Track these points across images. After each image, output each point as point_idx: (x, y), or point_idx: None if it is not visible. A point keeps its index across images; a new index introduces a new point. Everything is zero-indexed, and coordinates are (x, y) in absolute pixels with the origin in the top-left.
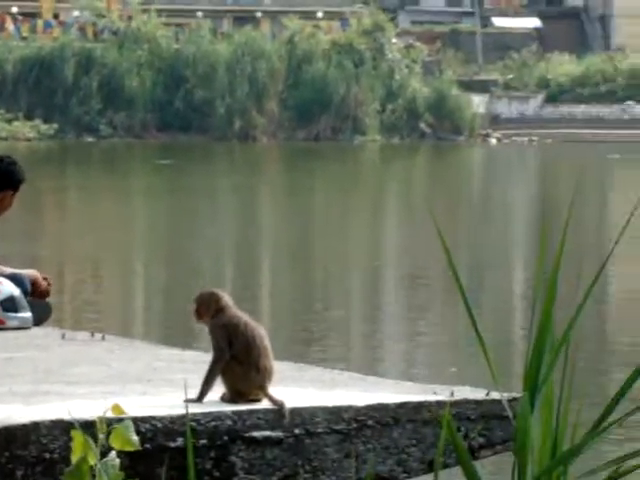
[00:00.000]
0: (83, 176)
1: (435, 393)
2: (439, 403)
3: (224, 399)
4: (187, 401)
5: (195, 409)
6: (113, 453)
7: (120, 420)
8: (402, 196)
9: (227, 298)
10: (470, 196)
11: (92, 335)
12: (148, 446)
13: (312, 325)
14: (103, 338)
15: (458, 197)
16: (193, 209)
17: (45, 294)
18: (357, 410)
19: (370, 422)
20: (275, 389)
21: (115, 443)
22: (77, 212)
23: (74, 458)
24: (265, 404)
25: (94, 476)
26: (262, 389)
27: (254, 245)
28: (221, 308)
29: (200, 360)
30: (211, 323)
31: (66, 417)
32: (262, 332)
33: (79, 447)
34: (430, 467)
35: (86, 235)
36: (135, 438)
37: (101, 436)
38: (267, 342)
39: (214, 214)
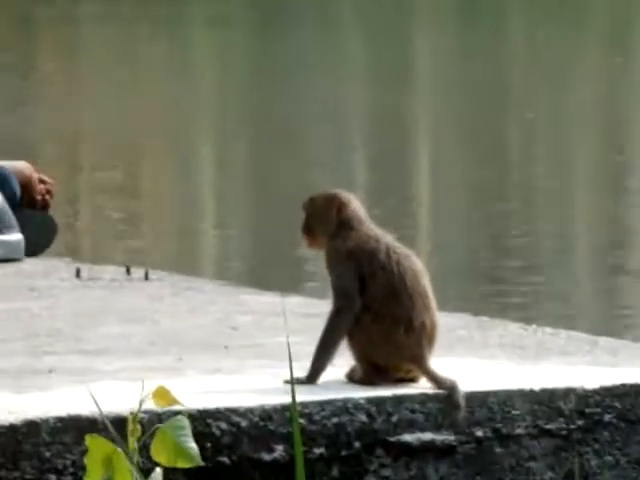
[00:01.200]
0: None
1: None
2: None
3: (353, 379)
4: (292, 382)
5: (305, 396)
6: (157, 471)
7: (170, 415)
8: None
9: (357, 205)
10: None
11: (127, 272)
12: (223, 459)
13: (497, 254)
14: (146, 277)
15: None
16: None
17: (43, 204)
18: (584, 396)
19: (608, 417)
20: (440, 361)
21: (158, 455)
22: (91, 55)
23: None
24: (424, 387)
25: None
26: (418, 361)
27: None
28: (347, 221)
29: (314, 312)
30: (329, 247)
31: (82, 411)
32: (417, 265)
33: (98, 462)
34: None
35: (110, 97)
36: (194, 447)
37: (136, 444)
38: (426, 283)
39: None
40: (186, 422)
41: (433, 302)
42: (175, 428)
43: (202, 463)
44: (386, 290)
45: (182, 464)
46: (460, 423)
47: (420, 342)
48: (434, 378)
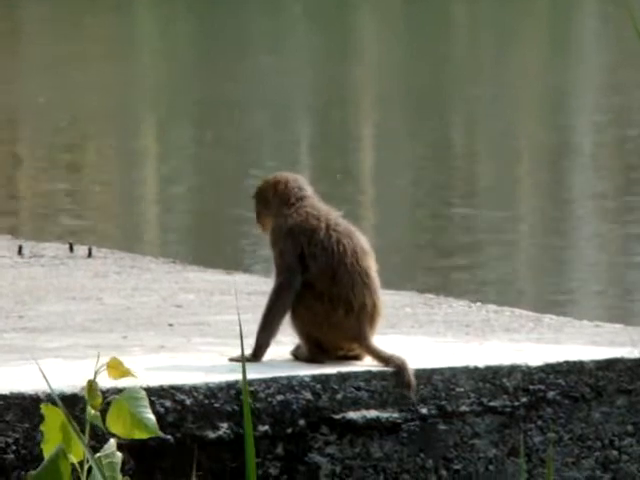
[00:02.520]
0: None
1: None
2: None
3: (298, 356)
4: (236, 360)
5: (250, 374)
6: (111, 442)
7: (116, 392)
8: None
9: (301, 183)
10: None
11: (71, 249)
12: (170, 437)
13: (441, 231)
14: (89, 254)
15: None
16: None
17: None
18: (528, 373)
19: (552, 394)
20: (385, 338)
21: (115, 426)
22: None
23: (46, 451)
24: (369, 364)
25: None
26: (360, 341)
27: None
28: (287, 200)
29: (254, 290)
30: (273, 226)
31: (27, 388)
32: (361, 243)
33: (54, 433)
34: None
35: (54, 74)
36: (151, 418)
37: (93, 412)
38: (369, 259)
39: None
40: (142, 393)
41: (375, 281)
42: (132, 399)
43: (160, 434)
44: (325, 269)
45: (139, 435)
46: (413, 401)
47: (361, 322)
48: (379, 356)
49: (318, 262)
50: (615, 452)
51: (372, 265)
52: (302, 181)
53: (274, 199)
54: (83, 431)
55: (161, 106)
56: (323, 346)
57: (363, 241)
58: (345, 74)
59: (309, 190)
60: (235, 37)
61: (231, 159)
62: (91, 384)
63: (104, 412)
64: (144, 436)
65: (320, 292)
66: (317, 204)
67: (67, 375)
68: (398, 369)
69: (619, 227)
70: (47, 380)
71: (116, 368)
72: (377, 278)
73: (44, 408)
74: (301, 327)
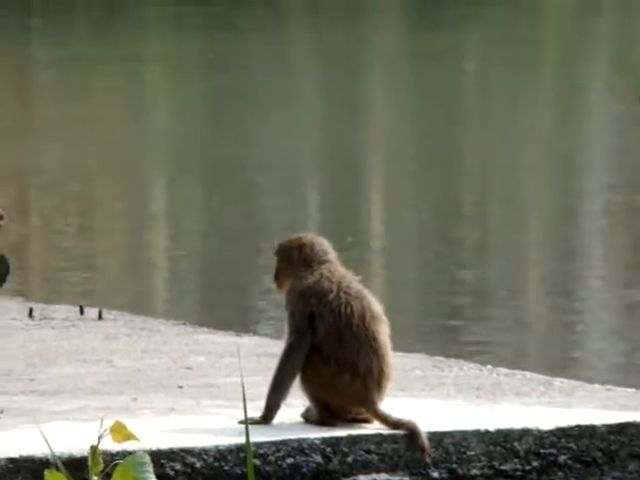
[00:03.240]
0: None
1: None
2: None
3: (309, 418)
4: (246, 422)
5: (260, 436)
6: None
7: (124, 455)
8: None
9: (325, 247)
10: None
11: (81, 311)
12: None
13: (451, 293)
14: (100, 316)
15: None
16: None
17: None
18: (539, 437)
19: (563, 458)
20: (396, 401)
21: None
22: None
23: None
24: (379, 427)
25: None
26: (366, 405)
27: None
28: (309, 262)
29: (264, 352)
30: (289, 287)
31: (37, 451)
32: (371, 305)
33: None
34: None
35: (61, 136)
36: None
37: (95, 478)
38: (379, 323)
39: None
40: (147, 458)
41: (384, 346)
42: (136, 464)
43: None
44: (332, 331)
45: None
46: (429, 463)
47: (367, 386)
48: (386, 421)
49: (325, 324)
50: None
51: (382, 329)
52: (326, 245)
53: (298, 260)
54: None
55: (171, 167)
56: (331, 409)
57: (375, 305)
58: (354, 134)
59: (332, 254)
60: (245, 98)
61: (240, 221)
62: (94, 449)
63: (110, 476)
64: None
65: (327, 355)
66: (335, 267)
67: (75, 438)
68: (410, 432)
69: (630, 291)
70: (49, 444)
71: (119, 432)
72: (387, 342)
73: (47, 474)
74: (309, 390)
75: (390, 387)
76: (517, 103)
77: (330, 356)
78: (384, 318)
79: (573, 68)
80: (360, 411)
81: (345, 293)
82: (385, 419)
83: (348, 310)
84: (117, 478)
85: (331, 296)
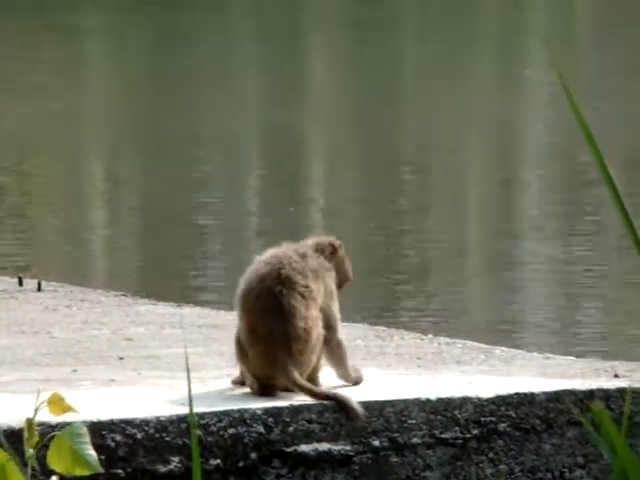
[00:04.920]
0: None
1: (616, 376)
2: (621, 392)
3: (252, 388)
4: (189, 394)
5: (202, 407)
6: (53, 479)
7: (64, 426)
8: None
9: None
10: None
11: (20, 283)
12: (117, 471)
13: (392, 263)
14: (39, 288)
15: None
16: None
17: None
18: (480, 405)
19: (503, 426)
20: (333, 372)
21: (56, 463)
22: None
23: None
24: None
25: None
26: (277, 371)
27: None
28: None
29: (205, 323)
30: None
31: None
32: (282, 270)
33: None
34: None
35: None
36: (92, 454)
37: (30, 451)
38: (288, 288)
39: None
40: (84, 429)
41: (290, 308)
42: (73, 435)
43: (101, 470)
44: (241, 299)
45: (80, 472)
46: (358, 433)
47: (270, 349)
48: (310, 392)
49: (239, 293)
50: None
51: (290, 292)
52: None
53: None
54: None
55: (109, 140)
56: (261, 380)
57: (286, 269)
58: (296, 111)
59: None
60: (185, 77)
61: (180, 191)
62: (30, 422)
63: (47, 448)
64: (85, 473)
65: (241, 324)
66: (285, 245)
67: (14, 410)
68: (338, 402)
69: (569, 261)
70: None
71: (57, 404)
72: (296, 305)
73: None
74: (242, 361)
75: (309, 354)
76: (456, 77)
77: (241, 324)
78: (300, 281)
79: (511, 40)
80: (281, 381)
81: (261, 261)
82: (309, 390)
83: (253, 275)
84: (54, 449)
85: (250, 266)
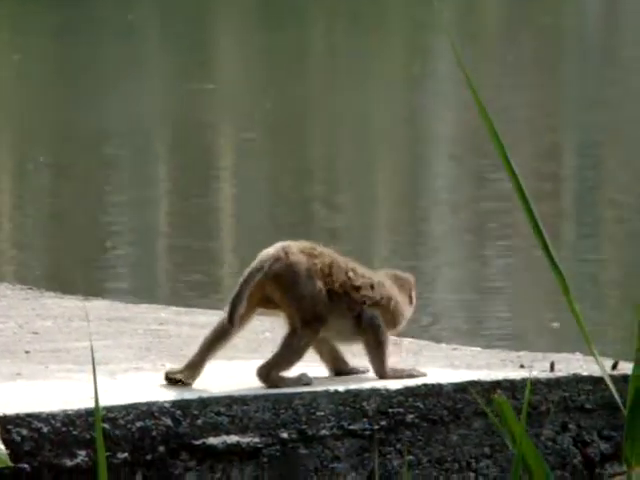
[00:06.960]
0: None
1: (522, 366)
2: (532, 383)
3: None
4: (95, 387)
5: (110, 400)
6: None
7: None
8: None
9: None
10: None
11: None
12: (23, 466)
13: None
14: None
15: None
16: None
17: None
18: (387, 397)
19: (411, 417)
20: (246, 363)
21: None
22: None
23: None
24: (229, 390)
25: None
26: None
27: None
28: None
29: (114, 316)
30: None
31: None
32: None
33: None
34: None
35: None
36: (1, 448)
37: None
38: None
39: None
40: None
41: None
42: None
43: (10, 464)
44: None
45: None
46: (266, 424)
47: None
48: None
49: None
50: (472, 474)
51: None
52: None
53: None
54: None
55: (15, 130)
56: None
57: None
58: (204, 98)
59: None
60: (89, 60)
61: (88, 184)
62: None
63: None
64: None
65: None
66: None
67: None
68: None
69: (477, 249)
70: None
71: None
72: None
73: None
74: None
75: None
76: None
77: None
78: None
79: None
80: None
81: None
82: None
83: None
84: None
85: None
